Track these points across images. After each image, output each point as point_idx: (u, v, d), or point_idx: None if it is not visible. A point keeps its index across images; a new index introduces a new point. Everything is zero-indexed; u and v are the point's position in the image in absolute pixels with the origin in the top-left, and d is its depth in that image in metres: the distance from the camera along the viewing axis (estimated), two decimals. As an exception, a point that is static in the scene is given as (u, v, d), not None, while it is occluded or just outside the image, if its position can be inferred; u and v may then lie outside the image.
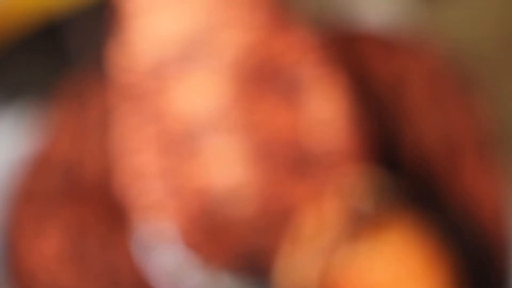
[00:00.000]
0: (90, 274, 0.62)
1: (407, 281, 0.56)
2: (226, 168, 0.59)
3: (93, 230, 0.64)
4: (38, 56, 1.15)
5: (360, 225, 0.60)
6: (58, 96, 0.68)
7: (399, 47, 0.66)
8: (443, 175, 0.62)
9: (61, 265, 0.63)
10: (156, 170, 0.58)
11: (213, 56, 0.54)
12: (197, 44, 0.53)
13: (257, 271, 0.59)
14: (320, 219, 0.59)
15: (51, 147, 0.66)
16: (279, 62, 0.55)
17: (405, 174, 0.67)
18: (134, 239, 0.64)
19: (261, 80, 0.56)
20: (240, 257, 0.59)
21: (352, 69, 0.68)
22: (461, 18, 1.43)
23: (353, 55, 0.68)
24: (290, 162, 0.60)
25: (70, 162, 0.66)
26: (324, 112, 0.58)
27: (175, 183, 0.59)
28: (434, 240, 0.59)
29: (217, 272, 0.60)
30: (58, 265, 0.63)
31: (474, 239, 0.59)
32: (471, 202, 0.60)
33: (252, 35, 0.53)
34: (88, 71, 0.69)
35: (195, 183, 0.59)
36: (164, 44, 0.53)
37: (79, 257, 0.63)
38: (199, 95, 0.56)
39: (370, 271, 0.56)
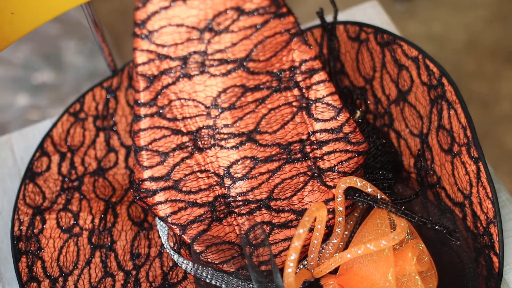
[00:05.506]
0: None
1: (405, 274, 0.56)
2: (233, 171, 0.58)
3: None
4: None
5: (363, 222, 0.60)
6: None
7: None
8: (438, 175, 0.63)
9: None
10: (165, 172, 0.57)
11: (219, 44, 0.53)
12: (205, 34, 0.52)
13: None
14: (327, 218, 0.59)
15: None
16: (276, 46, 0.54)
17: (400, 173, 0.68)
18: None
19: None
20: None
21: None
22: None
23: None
24: (298, 161, 0.59)
25: None
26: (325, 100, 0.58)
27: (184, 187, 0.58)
28: (426, 237, 0.60)
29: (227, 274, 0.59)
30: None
31: (466, 240, 0.60)
32: (465, 202, 0.61)
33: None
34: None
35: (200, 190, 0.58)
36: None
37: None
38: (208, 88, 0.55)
39: (373, 269, 0.56)
